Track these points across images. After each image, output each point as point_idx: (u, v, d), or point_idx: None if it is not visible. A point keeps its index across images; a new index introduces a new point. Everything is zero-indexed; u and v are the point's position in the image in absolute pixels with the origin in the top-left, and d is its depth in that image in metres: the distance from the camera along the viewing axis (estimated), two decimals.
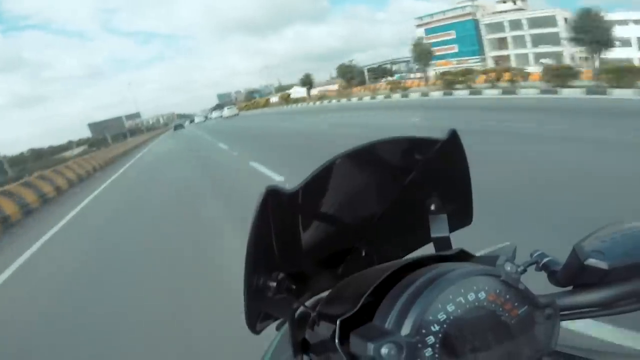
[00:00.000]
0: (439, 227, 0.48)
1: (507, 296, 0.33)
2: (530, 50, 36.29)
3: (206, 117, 60.68)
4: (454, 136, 0.44)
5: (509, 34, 37.77)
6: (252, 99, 64.62)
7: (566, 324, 0.38)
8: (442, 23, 42.68)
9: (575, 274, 0.38)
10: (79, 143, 55.20)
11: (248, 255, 0.36)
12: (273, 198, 0.36)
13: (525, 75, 17.98)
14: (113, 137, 45.37)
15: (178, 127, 51.12)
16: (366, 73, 35.85)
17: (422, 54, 27.80)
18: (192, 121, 64.06)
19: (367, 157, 0.43)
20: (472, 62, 36.07)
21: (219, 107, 73.16)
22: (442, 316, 0.31)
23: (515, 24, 36.90)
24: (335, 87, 39.78)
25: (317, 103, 31.53)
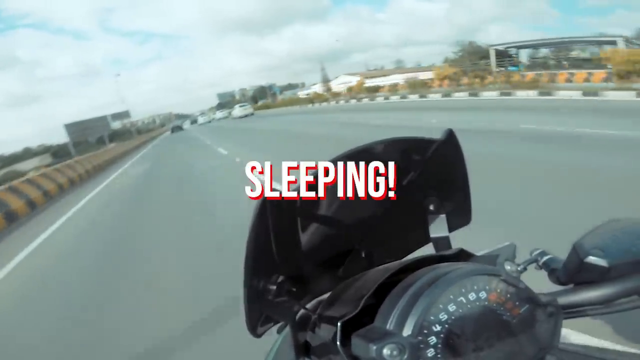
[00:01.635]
0: (438, 227, 0.48)
1: (508, 295, 0.33)
2: None
3: (210, 118, 49.88)
4: (451, 136, 0.44)
5: None
6: (271, 94, 49.46)
7: (568, 322, 0.38)
8: None
9: (575, 272, 0.38)
10: (37, 152, 42.05)
11: (247, 259, 0.36)
12: (272, 201, 0.36)
13: None
14: (83, 146, 34.39)
15: (176, 129, 42.81)
16: (493, 56, 22.44)
17: None
18: (194, 122, 53.03)
19: (365, 158, 0.43)
20: None
21: (221, 106, 64.18)
22: (443, 316, 0.31)
23: None
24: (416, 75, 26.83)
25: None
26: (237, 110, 37.79)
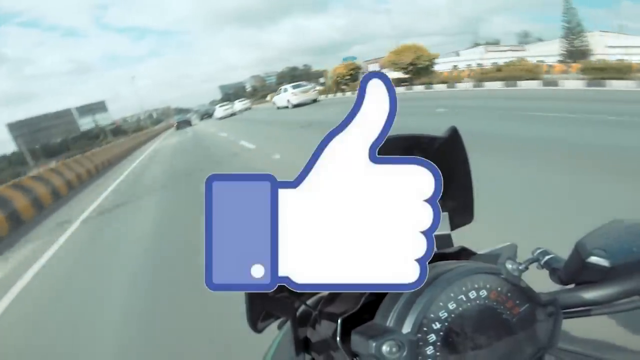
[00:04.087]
0: (439, 225, 0.48)
1: (509, 294, 0.33)
2: None
3: (233, 109, 33.36)
4: (454, 133, 0.44)
5: None
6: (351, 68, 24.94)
7: (568, 322, 0.38)
8: None
9: (577, 272, 0.38)
10: None
11: None
12: None
13: None
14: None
15: (183, 124, 33.11)
16: None
17: None
18: (205, 116, 39.20)
19: None
20: None
21: (228, 97, 54.30)
22: (443, 314, 0.31)
23: None
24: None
25: None
26: (289, 95, 20.81)
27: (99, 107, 39.46)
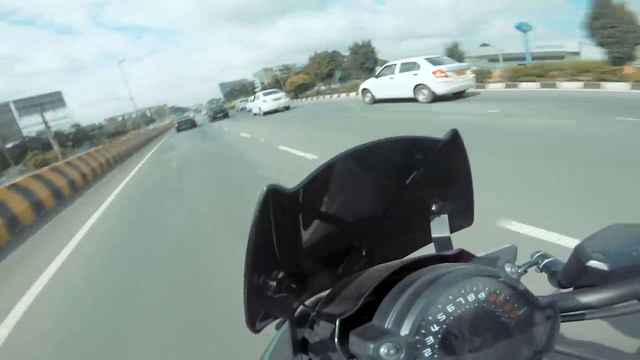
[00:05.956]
0: (439, 228, 0.48)
1: (507, 297, 0.33)
2: None
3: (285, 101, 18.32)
4: (455, 136, 0.44)
5: None
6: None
7: (566, 325, 0.38)
8: None
9: (576, 276, 0.38)
10: None
11: (248, 254, 0.36)
12: (274, 197, 0.36)
13: None
14: None
15: (185, 124, 25.28)
16: None
17: None
18: (219, 115, 27.25)
19: (368, 156, 0.43)
20: None
21: (233, 93, 49.18)
22: (441, 317, 0.31)
23: None
24: None
25: None
26: (426, 77, 9.75)
27: (51, 100, 25.58)
